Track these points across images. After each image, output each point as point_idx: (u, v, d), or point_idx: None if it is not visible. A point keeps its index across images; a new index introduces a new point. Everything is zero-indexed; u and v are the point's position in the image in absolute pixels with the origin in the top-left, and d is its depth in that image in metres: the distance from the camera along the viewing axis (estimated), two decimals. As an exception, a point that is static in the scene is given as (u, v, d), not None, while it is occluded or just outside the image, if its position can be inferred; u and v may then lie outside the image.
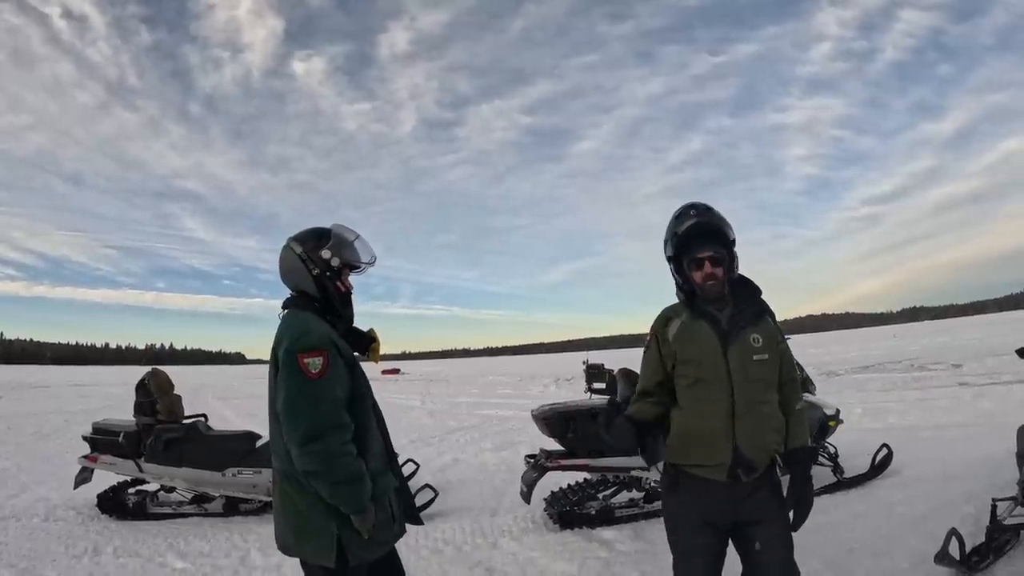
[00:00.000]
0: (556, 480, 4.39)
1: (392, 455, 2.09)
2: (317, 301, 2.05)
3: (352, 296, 2.13)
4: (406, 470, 5.61)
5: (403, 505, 2.12)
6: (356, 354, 2.08)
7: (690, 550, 1.97)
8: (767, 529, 1.92)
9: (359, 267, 2.14)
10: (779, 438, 1.98)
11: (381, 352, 2.18)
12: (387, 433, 2.12)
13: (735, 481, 1.91)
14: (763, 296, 2.06)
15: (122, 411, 7.25)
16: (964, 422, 7.00)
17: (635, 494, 4.33)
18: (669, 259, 2.06)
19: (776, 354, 1.99)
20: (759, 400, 1.93)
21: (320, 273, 2.05)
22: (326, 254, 2.04)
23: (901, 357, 19.00)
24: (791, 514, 1.97)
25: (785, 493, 2.00)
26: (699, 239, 1.97)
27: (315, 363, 1.83)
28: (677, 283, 2.08)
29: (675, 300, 2.10)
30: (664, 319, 2.06)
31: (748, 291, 2.05)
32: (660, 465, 2.11)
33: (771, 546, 1.91)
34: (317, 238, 2.08)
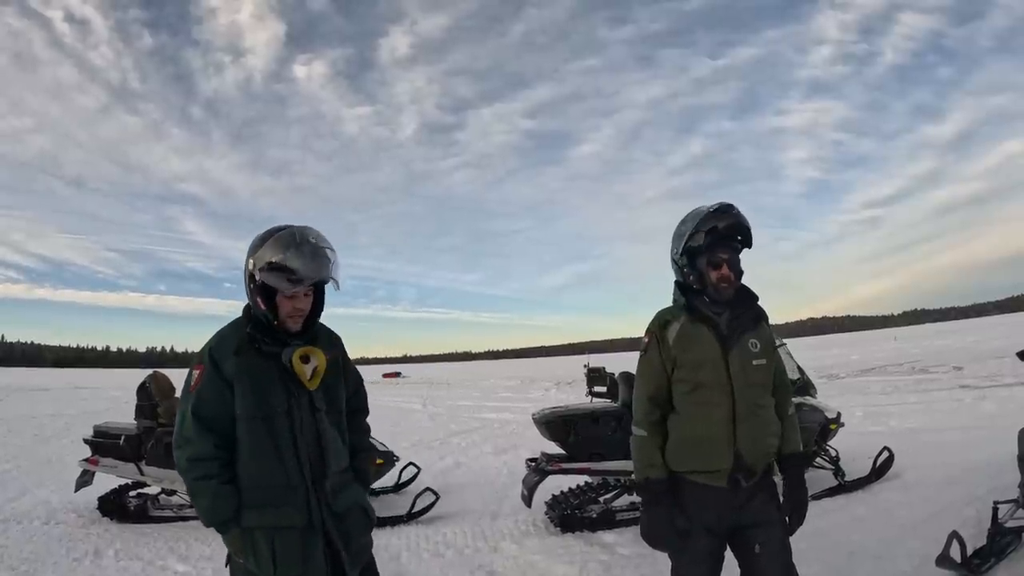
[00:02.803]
0: (557, 483, 4.39)
1: (315, 491, 1.79)
2: (252, 311, 1.82)
3: (286, 318, 1.78)
4: (407, 474, 5.56)
5: (320, 551, 1.78)
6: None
7: (689, 555, 1.96)
8: (766, 532, 1.92)
9: (282, 289, 1.74)
10: (777, 442, 1.99)
11: (322, 363, 1.81)
12: (323, 466, 1.80)
13: (735, 487, 1.90)
14: (760, 301, 2.05)
15: (123, 414, 7.26)
16: (965, 425, 6.98)
17: (636, 498, 4.33)
18: (683, 254, 2.00)
19: (772, 359, 2.00)
20: (759, 404, 1.94)
21: (246, 284, 1.79)
22: (250, 263, 1.77)
23: (902, 360, 18.95)
24: (787, 518, 1.97)
25: (781, 497, 2.00)
26: (723, 240, 1.95)
27: (194, 375, 1.82)
28: (682, 282, 2.03)
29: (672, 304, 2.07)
30: (662, 321, 2.01)
31: (745, 296, 2.03)
32: None
33: (771, 548, 1.91)
34: (259, 242, 1.78)
